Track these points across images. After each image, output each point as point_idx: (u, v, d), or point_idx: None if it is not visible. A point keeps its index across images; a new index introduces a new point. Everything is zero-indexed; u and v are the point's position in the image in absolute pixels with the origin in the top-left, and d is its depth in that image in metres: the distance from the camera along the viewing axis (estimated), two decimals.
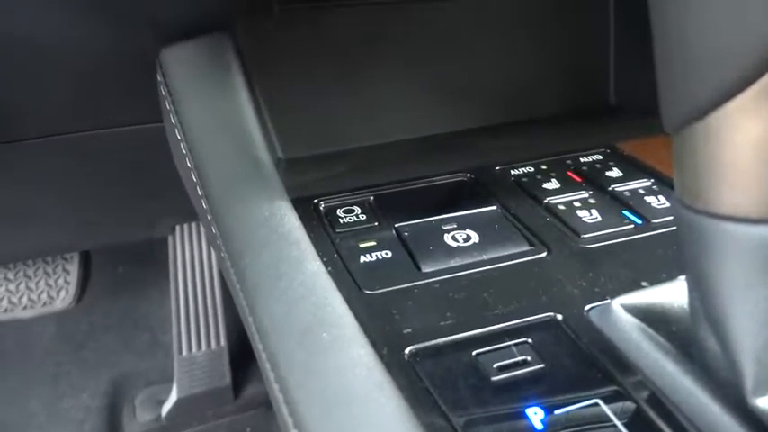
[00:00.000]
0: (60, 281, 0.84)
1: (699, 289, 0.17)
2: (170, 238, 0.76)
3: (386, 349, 0.22)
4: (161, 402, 0.76)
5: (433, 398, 0.20)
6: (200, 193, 0.29)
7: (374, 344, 0.21)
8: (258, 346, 0.22)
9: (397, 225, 0.29)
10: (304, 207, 0.30)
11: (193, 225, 0.75)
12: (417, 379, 0.21)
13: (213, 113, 0.29)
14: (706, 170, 0.16)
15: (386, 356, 0.21)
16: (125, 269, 0.86)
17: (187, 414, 0.76)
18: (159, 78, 0.31)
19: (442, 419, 0.19)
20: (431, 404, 0.20)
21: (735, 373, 0.16)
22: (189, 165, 0.29)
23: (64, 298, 0.84)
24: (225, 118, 0.30)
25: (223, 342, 0.79)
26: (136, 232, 0.63)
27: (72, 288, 0.84)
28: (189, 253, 0.77)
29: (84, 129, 0.37)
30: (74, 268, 0.84)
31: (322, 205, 0.31)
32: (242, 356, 0.79)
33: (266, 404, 0.80)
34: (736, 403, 0.16)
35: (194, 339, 0.78)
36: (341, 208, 0.31)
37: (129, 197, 0.49)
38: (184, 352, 0.77)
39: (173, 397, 0.75)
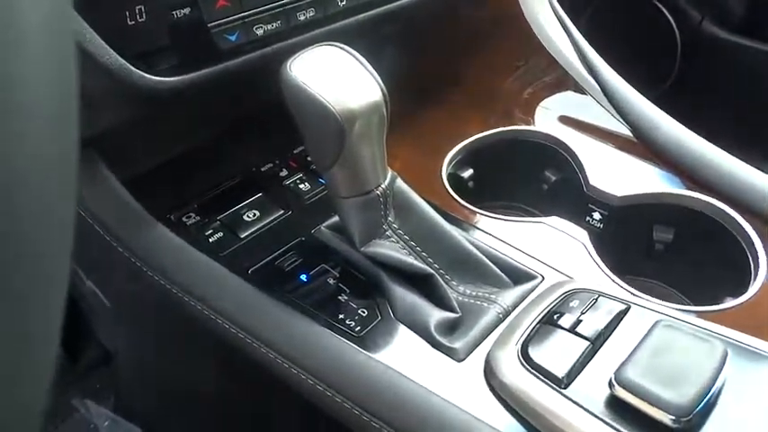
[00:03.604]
0: None
1: (340, 217, 0.51)
2: None
3: (241, 275, 0.53)
4: None
5: (263, 281, 0.52)
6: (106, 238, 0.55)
7: (236, 273, 0.52)
8: (192, 287, 0.51)
9: (218, 217, 0.59)
10: (165, 221, 0.58)
11: None
12: (254, 278, 0.53)
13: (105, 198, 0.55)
14: (335, 185, 0.49)
15: (242, 276, 0.53)
16: None
17: None
18: None
19: (271, 291, 0.52)
20: (261, 284, 0.52)
21: (353, 242, 0.51)
22: (99, 231, 0.55)
23: None
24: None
25: None
26: None
27: None
28: None
29: None
30: None
31: (171, 218, 0.59)
32: (69, 334, 0.97)
33: (104, 362, 0.99)
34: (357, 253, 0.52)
35: None
36: (183, 216, 0.60)
37: None
38: None
39: None
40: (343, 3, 0.59)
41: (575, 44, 0.73)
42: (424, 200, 0.57)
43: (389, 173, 0.52)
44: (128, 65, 0.47)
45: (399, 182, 0.53)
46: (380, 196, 0.50)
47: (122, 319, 0.72)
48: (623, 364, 0.39)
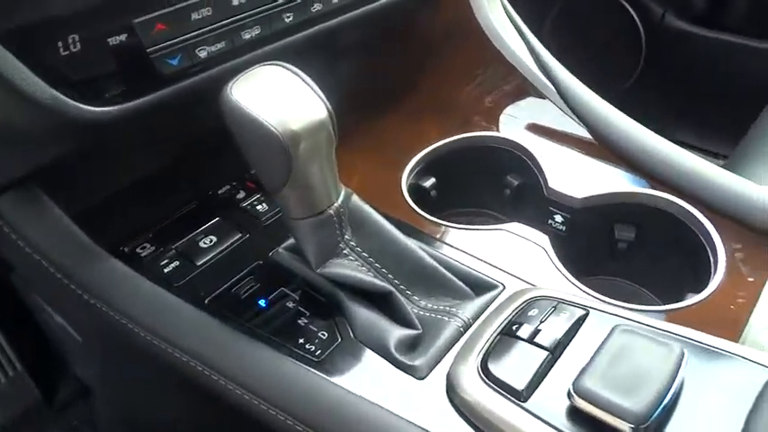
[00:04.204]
0: None
1: (295, 238, 0.50)
2: None
3: (198, 305, 0.52)
4: None
5: (220, 310, 0.51)
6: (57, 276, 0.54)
7: (193, 303, 0.51)
8: (146, 321, 0.50)
9: (174, 245, 0.58)
10: (118, 254, 0.56)
11: None
12: (210, 307, 0.51)
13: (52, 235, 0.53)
14: (287, 207, 0.48)
15: (198, 306, 0.51)
16: None
17: None
18: None
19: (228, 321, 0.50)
20: (218, 314, 0.51)
21: (310, 263, 0.50)
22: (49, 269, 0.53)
23: None
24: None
25: (19, 367, 0.92)
26: None
27: None
28: None
29: None
30: None
31: (125, 249, 0.58)
32: (44, 372, 0.94)
33: (81, 396, 0.98)
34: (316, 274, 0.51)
35: None
36: (137, 247, 0.58)
37: None
38: None
39: None
40: (290, 19, 0.58)
41: (530, 48, 0.73)
42: (385, 214, 0.57)
43: (343, 190, 0.51)
44: (62, 97, 0.45)
45: (355, 198, 0.52)
46: (334, 215, 0.50)
47: (94, 353, 0.70)
48: (581, 373, 0.38)
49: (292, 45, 0.59)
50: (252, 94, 0.44)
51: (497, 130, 0.72)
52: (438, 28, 0.79)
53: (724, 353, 0.40)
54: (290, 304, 0.52)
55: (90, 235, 0.55)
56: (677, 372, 0.37)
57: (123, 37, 0.48)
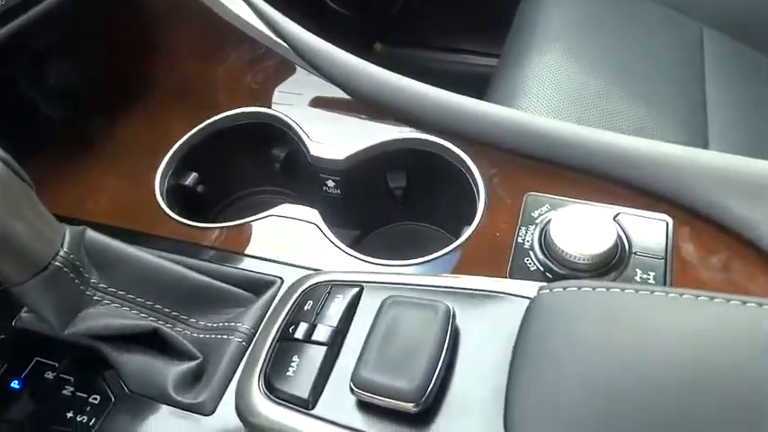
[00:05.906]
0: None
1: (28, 306, 0.43)
2: None
3: None
4: None
5: None
6: None
7: None
8: None
9: None
10: None
11: None
12: None
13: None
14: (1, 275, 0.40)
15: None
16: None
17: None
18: None
19: None
20: None
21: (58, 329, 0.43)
22: None
23: None
24: None
25: None
26: None
27: None
28: None
29: None
30: None
31: None
32: None
33: None
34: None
35: None
36: None
37: None
38: None
39: None
40: None
41: (255, 10, 0.67)
42: (141, 232, 0.51)
43: (67, 232, 0.43)
44: None
45: (90, 234, 0.45)
46: (64, 265, 0.42)
47: None
48: (357, 363, 0.37)
49: None
50: None
51: (248, 106, 0.67)
52: (157, 13, 0.70)
53: (490, 294, 0.41)
54: (50, 374, 0.45)
55: None
56: (446, 333, 0.37)
57: None
